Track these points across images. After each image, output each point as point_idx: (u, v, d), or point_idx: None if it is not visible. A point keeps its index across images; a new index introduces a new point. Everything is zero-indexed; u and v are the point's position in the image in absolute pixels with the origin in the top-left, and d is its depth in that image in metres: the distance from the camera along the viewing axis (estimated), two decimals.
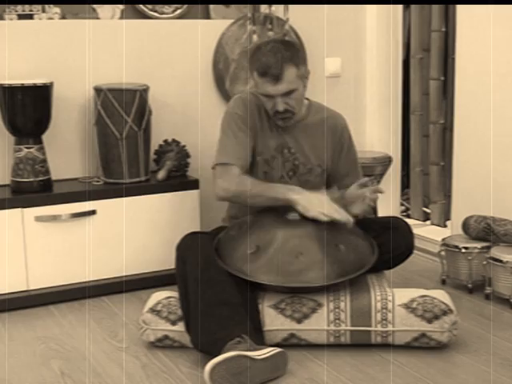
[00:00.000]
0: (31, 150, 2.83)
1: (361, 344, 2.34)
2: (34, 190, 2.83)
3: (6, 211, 2.72)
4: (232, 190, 2.46)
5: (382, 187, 2.54)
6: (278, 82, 2.41)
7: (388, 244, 2.50)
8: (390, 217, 2.92)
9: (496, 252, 2.74)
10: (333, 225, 2.38)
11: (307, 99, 2.66)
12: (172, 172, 3.10)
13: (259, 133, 2.57)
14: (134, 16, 3.21)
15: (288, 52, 2.44)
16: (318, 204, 2.39)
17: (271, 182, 2.55)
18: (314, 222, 2.37)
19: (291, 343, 2.34)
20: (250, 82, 3.32)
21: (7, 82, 2.77)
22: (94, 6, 3.11)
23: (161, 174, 3.04)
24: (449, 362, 2.26)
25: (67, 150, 3.09)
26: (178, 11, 3.28)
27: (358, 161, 2.75)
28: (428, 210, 3.80)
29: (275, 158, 2.59)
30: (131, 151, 2.97)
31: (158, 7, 3.24)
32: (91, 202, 2.86)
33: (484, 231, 2.85)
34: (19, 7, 2.97)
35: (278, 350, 2.15)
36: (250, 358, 2.05)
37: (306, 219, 2.38)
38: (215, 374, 2.01)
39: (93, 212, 2.86)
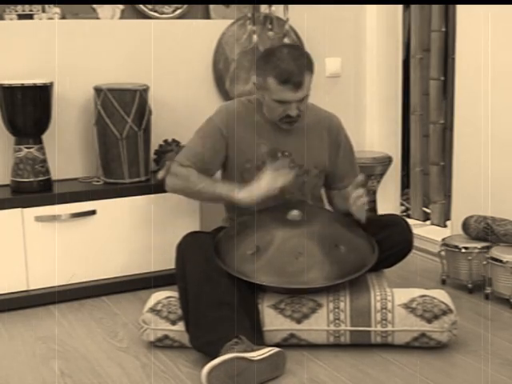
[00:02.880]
0: (31, 150, 2.83)
1: (361, 344, 2.34)
2: (34, 190, 2.83)
3: (6, 211, 2.72)
4: (178, 184, 2.59)
5: (361, 191, 2.45)
6: (298, 89, 2.42)
7: (387, 241, 2.50)
8: (388, 214, 2.92)
9: (496, 252, 2.74)
10: (334, 225, 2.39)
11: None
12: None
13: (242, 141, 2.57)
14: (134, 16, 3.20)
15: (306, 59, 2.47)
16: (257, 189, 2.44)
17: None
18: (315, 222, 2.38)
19: (291, 343, 2.34)
20: (250, 84, 3.33)
21: (7, 81, 2.77)
22: (94, 6, 3.11)
23: (161, 174, 3.04)
24: (449, 361, 2.26)
25: (67, 150, 3.09)
26: (178, 11, 3.28)
27: (355, 161, 2.76)
28: (428, 210, 3.80)
29: (267, 163, 2.58)
30: (131, 151, 2.97)
31: (157, 7, 3.24)
32: (91, 202, 2.86)
33: (484, 231, 2.85)
34: (19, 7, 2.97)
35: (275, 349, 2.15)
36: (247, 359, 2.05)
37: (307, 219, 2.39)
38: (212, 377, 2.02)
39: (93, 212, 2.86)
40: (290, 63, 2.41)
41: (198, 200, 2.77)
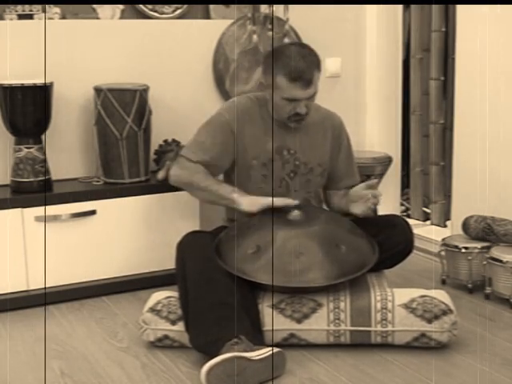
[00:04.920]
0: (31, 150, 2.83)
1: (361, 344, 2.34)
2: (34, 190, 2.83)
3: (6, 211, 2.72)
4: (184, 177, 2.57)
5: (379, 191, 2.54)
6: (308, 87, 2.42)
7: (387, 242, 2.50)
8: (388, 215, 2.92)
9: (496, 252, 2.74)
10: (334, 225, 2.38)
11: None
12: None
13: (250, 138, 2.57)
14: (134, 16, 3.20)
15: (314, 57, 2.48)
16: (258, 200, 2.46)
17: (271, 184, 2.56)
18: (316, 222, 2.38)
19: (291, 343, 2.34)
20: (252, 83, 3.34)
21: (7, 82, 2.77)
22: (94, 6, 3.11)
23: (161, 174, 3.04)
24: (449, 361, 2.26)
25: (67, 150, 3.09)
26: (178, 11, 3.28)
27: (354, 162, 2.76)
28: (428, 210, 3.80)
29: (273, 160, 2.58)
30: (131, 151, 2.97)
31: (157, 7, 3.24)
32: (91, 202, 2.86)
33: (484, 231, 2.85)
34: (19, 7, 2.97)
35: (275, 349, 2.15)
36: (246, 358, 2.05)
37: (307, 219, 2.39)
38: (212, 376, 2.01)
39: (93, 212, 2.86)
40: (300, 61, 2.42)
41: (198, 198, 2.72)
